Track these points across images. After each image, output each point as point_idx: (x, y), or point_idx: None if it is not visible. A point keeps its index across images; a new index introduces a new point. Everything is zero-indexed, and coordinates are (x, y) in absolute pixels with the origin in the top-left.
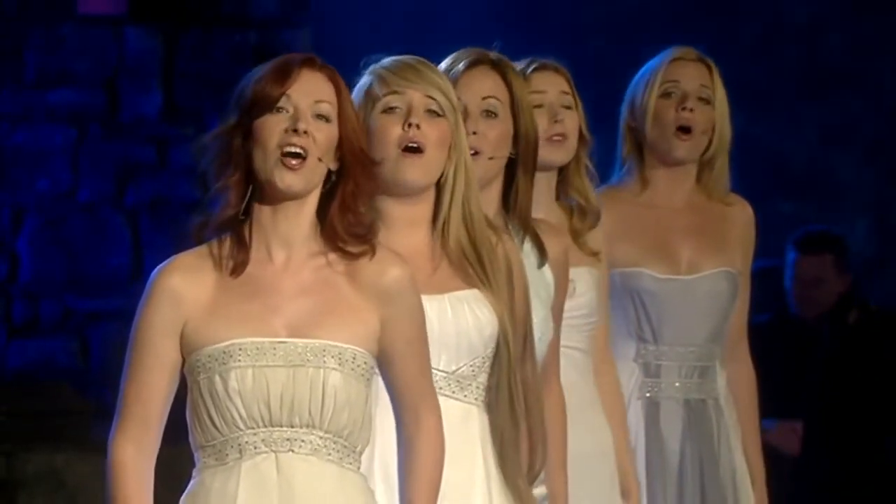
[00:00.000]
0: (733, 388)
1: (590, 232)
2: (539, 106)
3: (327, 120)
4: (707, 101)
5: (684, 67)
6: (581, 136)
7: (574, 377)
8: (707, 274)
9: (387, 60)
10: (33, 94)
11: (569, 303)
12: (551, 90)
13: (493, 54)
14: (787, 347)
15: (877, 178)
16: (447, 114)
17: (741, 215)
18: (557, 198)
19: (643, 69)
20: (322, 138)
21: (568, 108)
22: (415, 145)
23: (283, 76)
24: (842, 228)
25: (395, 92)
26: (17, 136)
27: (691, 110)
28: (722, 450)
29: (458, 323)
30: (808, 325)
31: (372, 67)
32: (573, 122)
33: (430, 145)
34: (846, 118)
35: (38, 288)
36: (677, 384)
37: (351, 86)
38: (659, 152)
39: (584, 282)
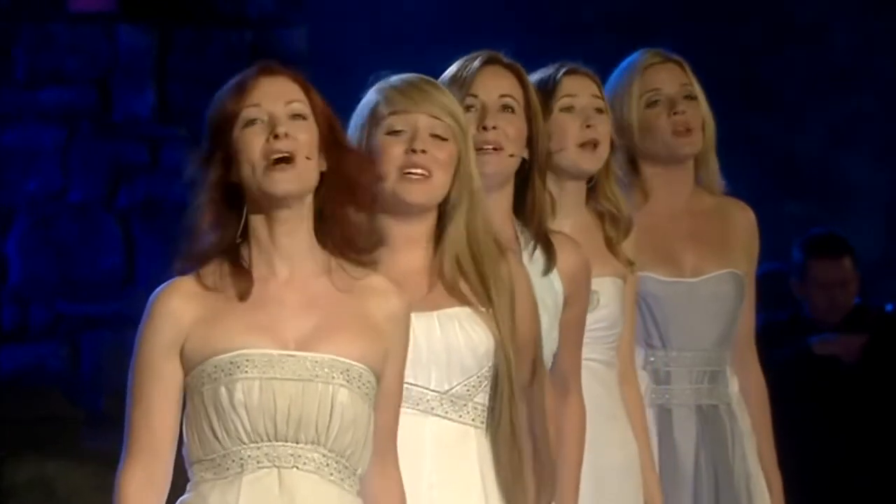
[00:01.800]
0: (744, 396)
1: (625, 239)
2: (569, 109)
3: (304, 118)
4: (693, 98)
5: (660, 72)
6: (611, 143)
7: (598, 390)
8: (711, 276)
9: (394, 78)
10: (23, 93)
11: (592, 315)
12: (583, 94)
13: (505, 57)
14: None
15: (887, 178)
16: (453, 137)
17: (742, 219)
18: (588, 205)
19: (610, 84)
20: (304, 138)
21: (600, 112)
22: (419, 171)
23: (242, 89)
24: (851, 230)
25: (400, 113)
26: (7, 136)
27: (683, 112)
28: (736, 456)
29: (448, 340)
30: (824, 329)
31: (379, 85)
32: (605, 127)
33: (436, 168)
34: (855, 117)
35: (28, 291)
36: (688, 390)
37: (346, 90)
38: (660, 157)
39: (608, 293)
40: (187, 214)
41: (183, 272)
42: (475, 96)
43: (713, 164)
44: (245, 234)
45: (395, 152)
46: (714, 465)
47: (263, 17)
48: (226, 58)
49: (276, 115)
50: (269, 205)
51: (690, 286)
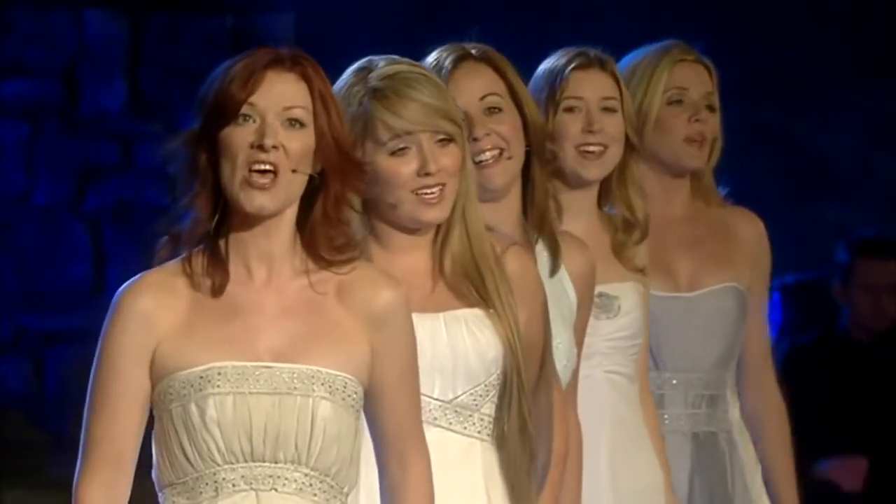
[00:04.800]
0: (760, 423)
1: (635, 246)
2: (571, 110)
3: (301, 125)
4: (713, 109)
5: (690, 70)
6: (628, 142)
7: (622, 407)
8: (710, 290)
9: (382, 85)
10: None
11: (612, 323)
12: (589, 94)
13: (473, 48)
14: (840, 371)
15: None
16: (456, 136)
17: (750, 230)
18: (600, 207)
19: (630, 67)
20: (295, 148)
21: (610, 110)
22: (434, 191)
23: (246, 81)
24: (891, 234)
25: (402, 135)
26: None
27: (705, 121)
28: (737, 489)
29: (454, 345)
30: (861, 346)
31: (368, 95)
32: (615, 127)
33: (448, 178)
34: (895, 111)
35: None
36: (683, 415)
37: (333, 74)
38: (663, 162)
39: (630, 299)
40: (176, 194)
41: (169, 258)
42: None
43: (710, 180)
44: (222, 224)
45: (404, 174)
46: (710, 497)
47: (246, 1)
48: (204, 46)
49: (269, 120)
50: (246, 213)
51: (686, 301)
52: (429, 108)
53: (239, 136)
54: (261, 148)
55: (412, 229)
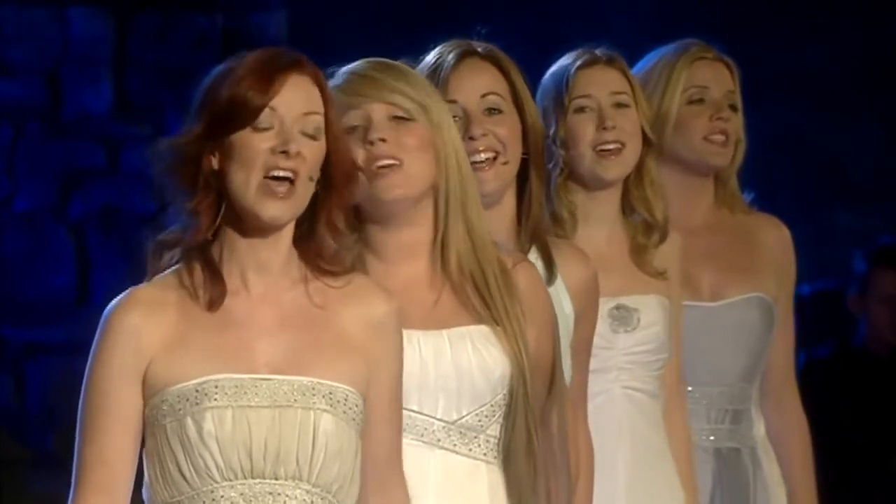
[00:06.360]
0: (782, 443)
1: (654, 249)
2: (582, 110)
3: (316, 136)
4: (736, 108)
5: (710, 68)
6: (645, 139)
7: (642, 425)
8: (735, 300)
9: (340, 73)
10: None
11: (631, 336)
12: (598, 91)
13: (479, 45)
14: (857, 387)
15: None
16: (418, 116)
17: (774, 236)
18: (624, 213)
19: (646, 68)
20: (311, 156)
21: (621, 106)
22: (387, 163)
23: (267, 83)
24: None
25: (351, 109)
26: None
27: (727, 120)
28: None
29: (459, 363)
30: (879, 360)
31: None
32: (630, 123)
33: (405, 154)
34: None
35: None
36: (706, 430)
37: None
38: (685, 163)
39: (651, 312)
40: (166, 199)
41: (161, 266)
42: (454, 102)
43: (734, 186)
44: (216, 234)
45: (355, 151)
46: None
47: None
48: (194, 45)
49: (288, 126)
50: (253, 221)
51: (709, 311)
52: (379, 82)
53: (256, 141)
54: (284, 154)
55: (394, 221)
